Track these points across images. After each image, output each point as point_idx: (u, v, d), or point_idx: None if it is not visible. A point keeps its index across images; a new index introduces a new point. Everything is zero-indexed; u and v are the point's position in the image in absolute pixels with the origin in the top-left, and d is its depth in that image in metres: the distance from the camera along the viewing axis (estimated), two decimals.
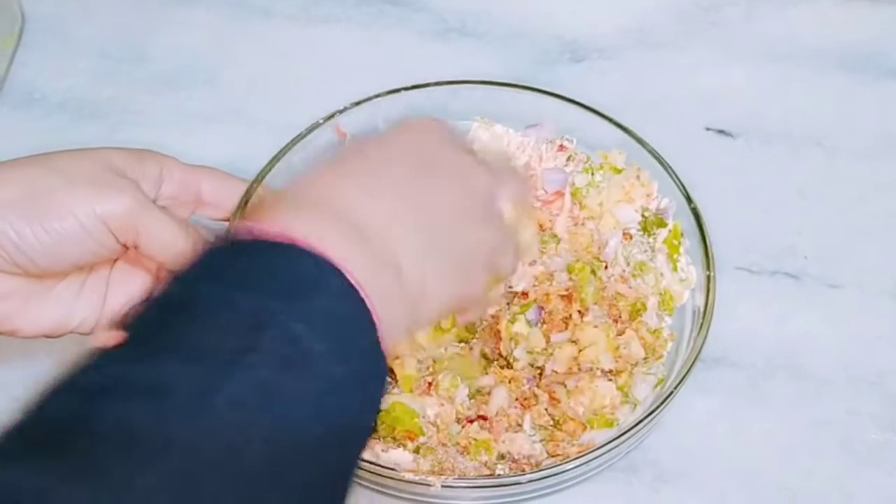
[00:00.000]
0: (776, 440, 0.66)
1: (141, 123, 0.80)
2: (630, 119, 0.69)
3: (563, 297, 0.65)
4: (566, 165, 0.71)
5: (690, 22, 0.85)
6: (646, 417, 0.58)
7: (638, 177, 0.69)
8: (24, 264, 0.55)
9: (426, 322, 0.52)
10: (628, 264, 0.68)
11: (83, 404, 0.39)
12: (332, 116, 0.69)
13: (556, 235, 0.69)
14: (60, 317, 0.58)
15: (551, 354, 0.64)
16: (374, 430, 0.51)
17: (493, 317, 0.66)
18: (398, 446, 0.62)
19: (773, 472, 0.65)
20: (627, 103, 0.75)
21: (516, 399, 0.63)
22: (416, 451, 0.62)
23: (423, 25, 0.85)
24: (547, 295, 0.66)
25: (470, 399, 0.64)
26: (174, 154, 0.61)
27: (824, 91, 0.81)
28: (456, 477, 0.58)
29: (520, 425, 0.62)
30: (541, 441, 0.62)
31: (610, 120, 0.69)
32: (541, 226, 0.69)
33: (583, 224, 0.69)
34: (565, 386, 0.63)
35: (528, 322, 0.65)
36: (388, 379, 0.50)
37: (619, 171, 0.69)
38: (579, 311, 0.65)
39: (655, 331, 0.66)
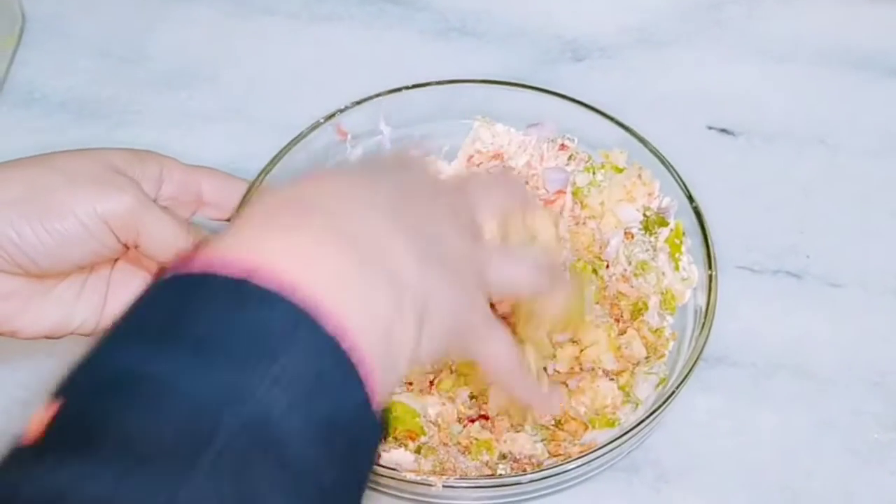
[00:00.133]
0: (778, 440, 0.65)
1: (141, 123, 0.80)
2: (631, 118, 0.69)
3: None
4: (567, 165, 0.71)
5: (692, 20, 0.84)
6: (647, 417, 0.58)
7: (639, 176, 0.69)
8: (24, 264, 0.55)
9: (428, 353, 0.44)
10: (630, 263, 0.68)
11: None
12: (333, 116, 0.69)
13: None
14: (61, 317, 0.58)
15: (554, 355, 0.64)
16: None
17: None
18: (399, 446, 0.61)
19: (774, 471, 0.64)
20: (629, 102, 0.75)
21: None
22: (418, 450, 0.61)
23: (425, 24, 0.85)
24: None
25: (471, 399, 0.63)
26: (175, 154, 0.61)
27: (827, 89, 0.81)
28: (457, 477, 0.58)
29: (521, 425, 0.62)
30: (542, 441, 0.62)
31: (611, 119, 0.69)
32: None
33: (584, 223, 0.69)
34: (567, 386, 0.63)
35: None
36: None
37: (620, 171, 0.69)
38: None
39: (657, 330, 0.66)
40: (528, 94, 0.71)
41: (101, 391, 0.36)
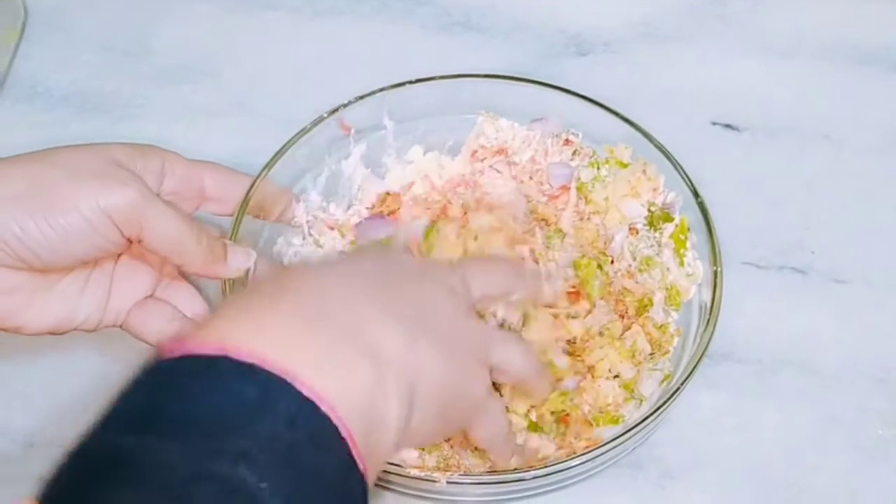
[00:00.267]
0: (783, 436, 0.65)
1: (144, 117, 0.80)
2: (636, 113, 0.69)
3: (570, 292, 0.65)
4: (572, 160, 0.70)
5: (697, 15, 0.84)
6: (652, 414, 0.58)
7: (644, 171, 0.68)
8: (28, 259, 0.54)
9: (422, 427, 0.46)
10: (634, 259, 0.67)
11: None
12: (336, 110, 0.69)
13: (561, 230, 0.68)
14: (65, 312, 0.58)
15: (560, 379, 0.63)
16: None
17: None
18: None
19: (779, 467, 0.64)
20: (633, 97, 0.74)
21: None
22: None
23: (428, 19, 0.84)
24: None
25: None
26: (177, 148, 0.61)
27: (831, 85, 0.80)
28: (461, 473, 0.58)
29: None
30: (547, 437, 0.62)
31: (616, 114, 0.69)
32: (546, 220, 0.69)
33: (588, 219, 0.69)
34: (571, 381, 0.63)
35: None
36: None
37: (625, 166, 0.69)
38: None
39: (662, 326, 0.65)
40: (532, 89, 0.70)
41: (89, 472, 0.39)
